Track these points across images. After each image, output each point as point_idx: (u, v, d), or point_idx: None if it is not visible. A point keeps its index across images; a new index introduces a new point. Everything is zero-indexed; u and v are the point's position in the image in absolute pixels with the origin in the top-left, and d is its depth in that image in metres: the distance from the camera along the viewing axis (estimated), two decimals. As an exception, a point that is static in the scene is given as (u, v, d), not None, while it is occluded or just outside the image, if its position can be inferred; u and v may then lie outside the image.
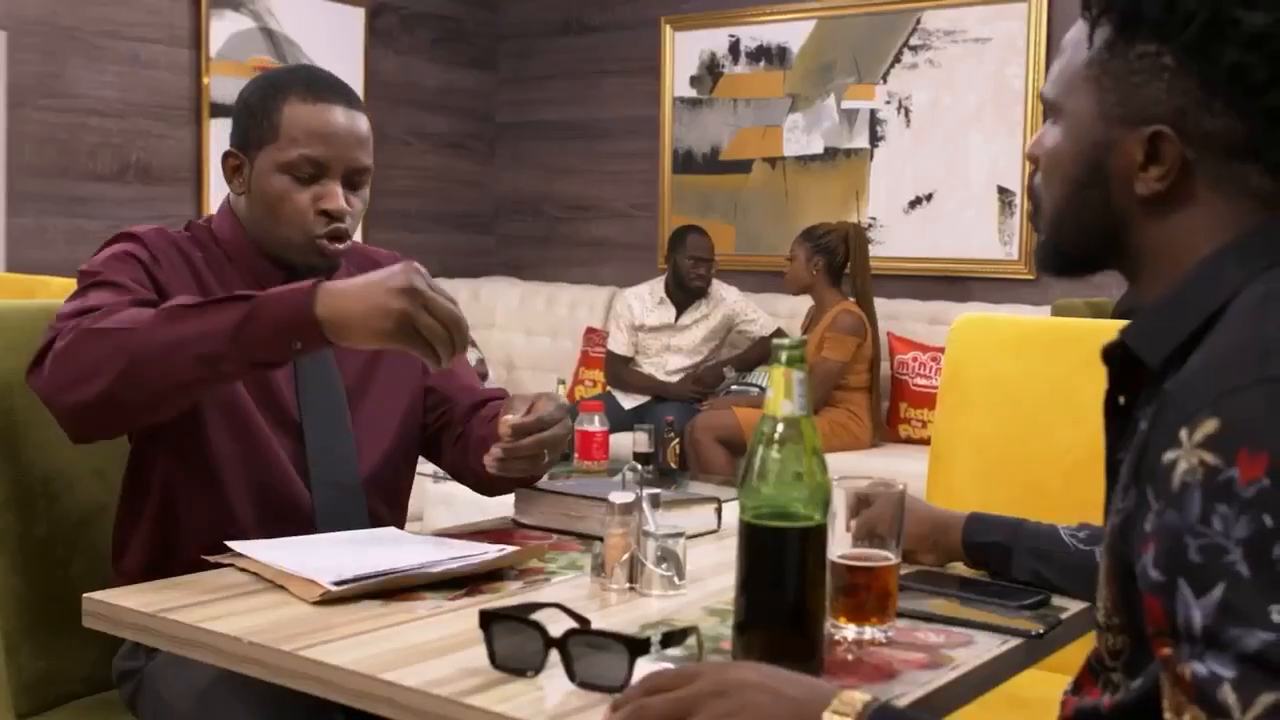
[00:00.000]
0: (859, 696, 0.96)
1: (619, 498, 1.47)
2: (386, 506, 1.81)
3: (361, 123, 1.75)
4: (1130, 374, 1.04)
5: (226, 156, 1.77)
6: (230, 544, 1.53)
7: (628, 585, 1.45)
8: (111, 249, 1.69)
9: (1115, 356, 1.05)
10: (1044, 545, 1.50)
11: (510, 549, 1.55)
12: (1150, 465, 0.90)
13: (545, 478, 1.80)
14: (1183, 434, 0.87)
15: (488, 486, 1.86)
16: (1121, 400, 1.07)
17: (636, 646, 1.12)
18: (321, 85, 1.74)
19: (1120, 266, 1.10)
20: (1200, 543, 0.84)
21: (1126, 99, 1.03)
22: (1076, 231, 1.10)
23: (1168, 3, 1.00)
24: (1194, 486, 0.85)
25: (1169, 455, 0.88)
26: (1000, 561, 1.52)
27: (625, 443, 4.51)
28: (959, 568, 1.61)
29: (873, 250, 5.10)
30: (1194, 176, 1.01)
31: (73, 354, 1.49)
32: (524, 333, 6.00)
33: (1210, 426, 0.86)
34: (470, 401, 1.89)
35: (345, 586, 1.38)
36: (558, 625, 1.18)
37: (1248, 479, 0.83)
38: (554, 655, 1.15)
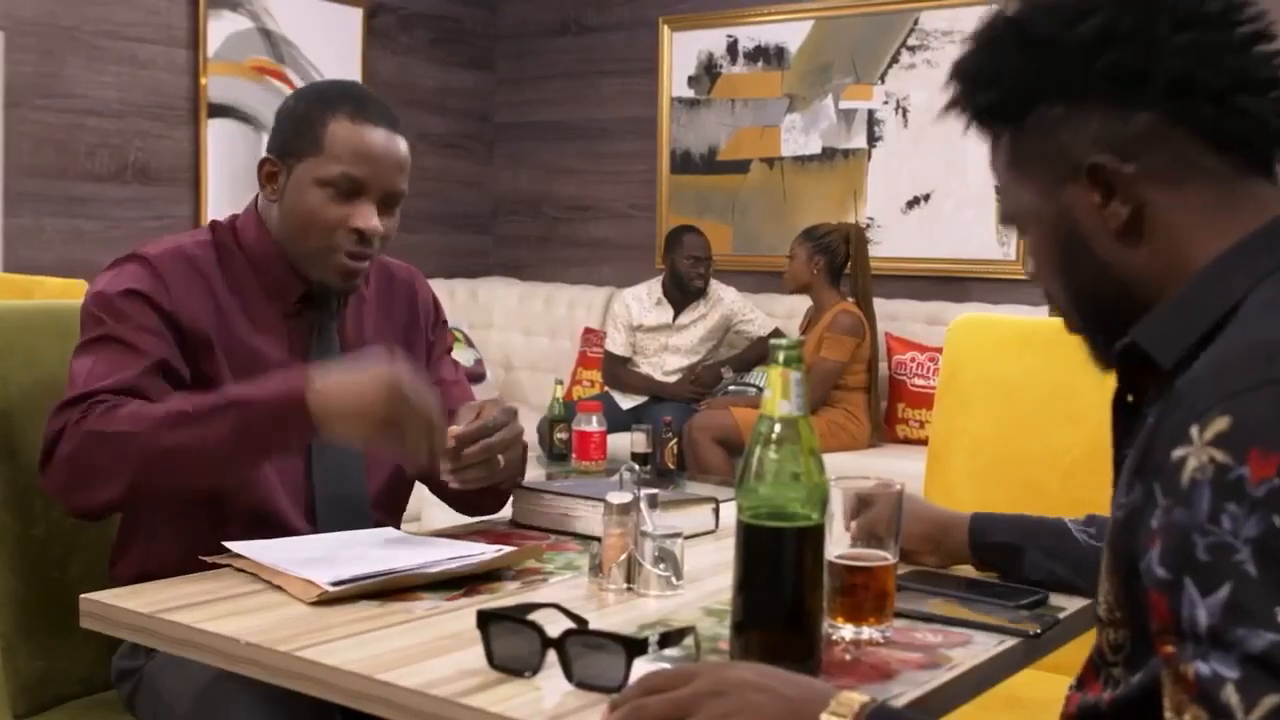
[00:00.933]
0: (856, 697, 0.96)
1: (616, 498, 1.47)
2: (386, 516, 1.81)
3: (403, 147, 1.76)
4: (1138, 371, 1.04)
5: (263, 163, 1.77)
6: (227, 544, 1.53)
7: (625, 585, 1.45)
8: (120, 279, 1.67)
9: (1125, 354, 1.05)
10: (1056, 544, 1.49)
11: (508, 549, 1.55)
12: (1158, 462, 0.90)
13: (544, 477, 1.79)
14: (1193, 431, 0.87)
15: (464, 505, 1.86)
16: (1130, 398, 1.07)
17: (634, 647, 1.12)
18: (370, 106, 1.75)
19: (1144, 309, 1.06)
20: (1208, 541, 0.84)
21: (1049, 164, 1.06)
22: (1095, 305, 1.10)
23: (1022, 71, 1.05)
24: (1204, 484, 0.85)
25: (1178, 452, 0.88)
26: (1011, 562, 1.51)
27: (623, 443, 4.51)
28: (961, 568, 1.61)
29: (871, 250, 5.10)
30: (1147, 185, 1.03)
31: (79, 460, 1.54)
32: (522, 333, 6.00)
33: (1222, 424, 0.86)
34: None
35: (343, 587, 1.38)
36: (555, 625, 1.18)
37: (1259, 478, 0.83)
38: (552, 655, 1.15)
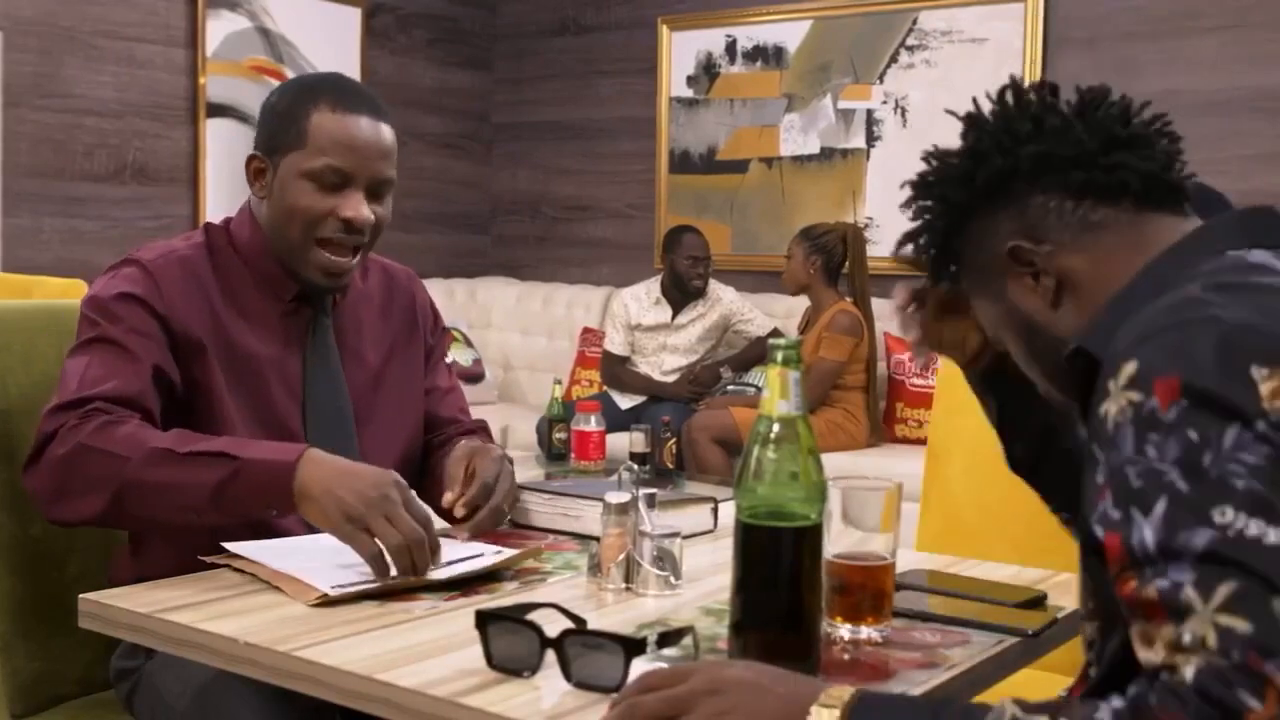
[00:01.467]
0: (846, 688, 0.98)
1: (615, 498, 1.47)
2: None
3: (387, 134, 1.75)
4: (1089, 377, 1.09)
5: (250, 160, 1.77)
6: (226, 545, 1.53)
7: (624, 585, 1.45)
8: (115, 283, 1.67)
9: (1077, 364, 1.13)
10: None
11: (507, 551, 1.55)
12: (1095, 427, 0.99)
13: (542, 477, 1.80)
14: (1110, 385, 0.97)
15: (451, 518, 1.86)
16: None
17: (633, 646, 1.12)
18: (351, 95, 1.74)
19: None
20: (1138, 469, 0.93)
21: (988, 273, 1.21)
22: (1060, 372, 1.18)
23: (934, 225, 1.24)
24: (1125, 424, 0.95)
25: (1102, 408, 0.98)
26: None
27: (621, 443, 4.50)
28: (959, 568, 1.61)
29: (869, 250, 5.10)
30: (1063, 255, 1.16)
31: (67, 468, 1.54)
32: (520, 333, 6.00)
33: (1130, 369, 0.96)
34: (445, 434, 1.91)
35: (345, 590, 1.38)
36: (554, 625, 1.18)
37: (1168, 403, 0.92)
38: (550, 655, 1.15)
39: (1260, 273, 1.03)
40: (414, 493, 1.51)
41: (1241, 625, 0.84)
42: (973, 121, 1.24)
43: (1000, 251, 1.19)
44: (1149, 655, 0.89)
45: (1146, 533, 0.90)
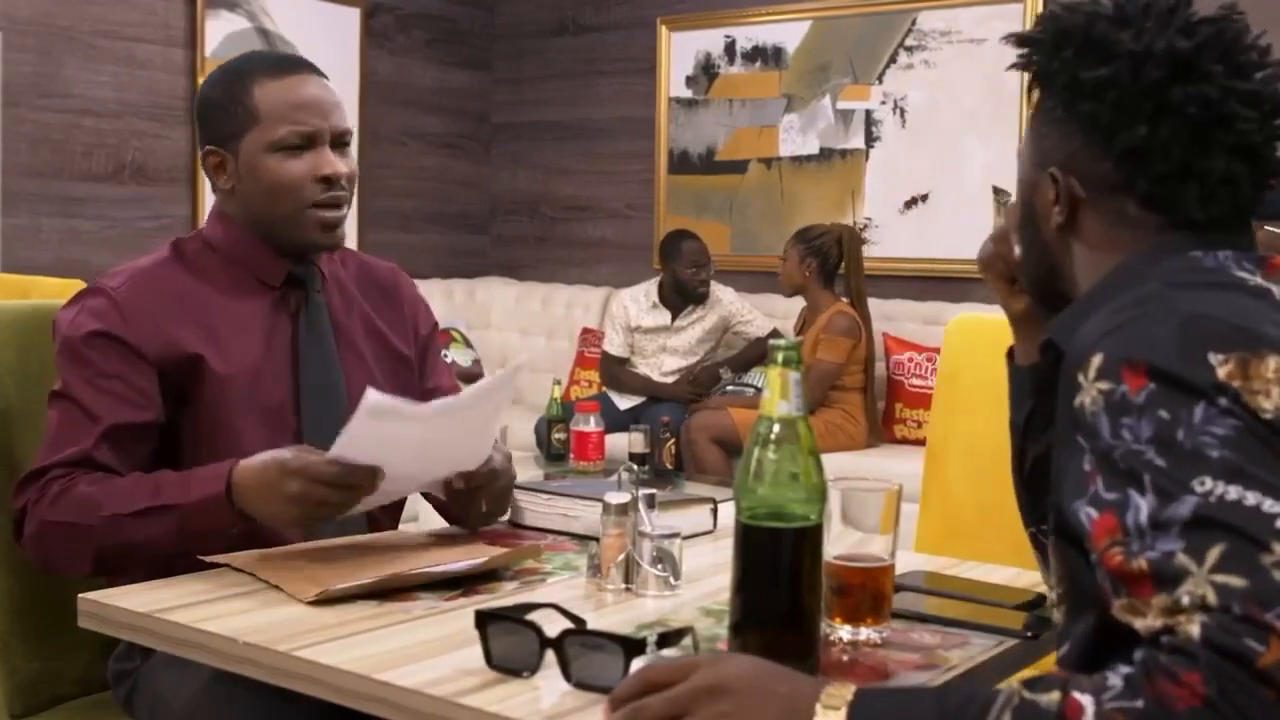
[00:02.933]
0: (847, 686, 0.98)
1: (615, 498, 1.47)
2: (384, 513, 1.81)
3: (331, 88, 1.78)
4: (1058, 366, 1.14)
5: (207, 155, 1.76)
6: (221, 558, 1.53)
7: (624, 585, 1.45)
8: (81, 319, 1.66)
9: (1048, 355, 1.19)
10: None
11: (507, 549, 1.55)
12: (1071, 417, 1.04)
13: (542, 477, 1.80)
14: (1080, 377, 1.03)
15: (447, 515, 1.87)
16: None
17: (632, 647, 1.12)
18: (285, 61, 1.77)
19: (1070, 293, 1.25)
20: (1120, 452, 0.98)
21: (1039, 145, 1.24)
22: (1033, 265, 1.29)
23: (1044, 65, 1.21)
24: (1100, 413, 1.00)
25: (1077, 400, 1.03)
26: None
27: (621, 443, 4.51)
28: (958, 570, 1.61)
29: (868, 251, 5.10)
30: (1086, 210, 1.21)
31: (42, 545, 1.61)
32: (520, 333, 5.99)
33: (1097, 360, 1.02)
34: None
35: (345, 587, 1.38)
36: (554, 625, 1.18)
37: (1136, 388, 0.98)
38: (550, 655, 1.15)
39: (1215, 274, 1.11)
40: (299, 452, 1.51)
41: (1237, 581, 0.88)
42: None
43: (1054, 156, 1.21)
44: (1143, 623, 0.92)
45: (1141, 508, 0.95)
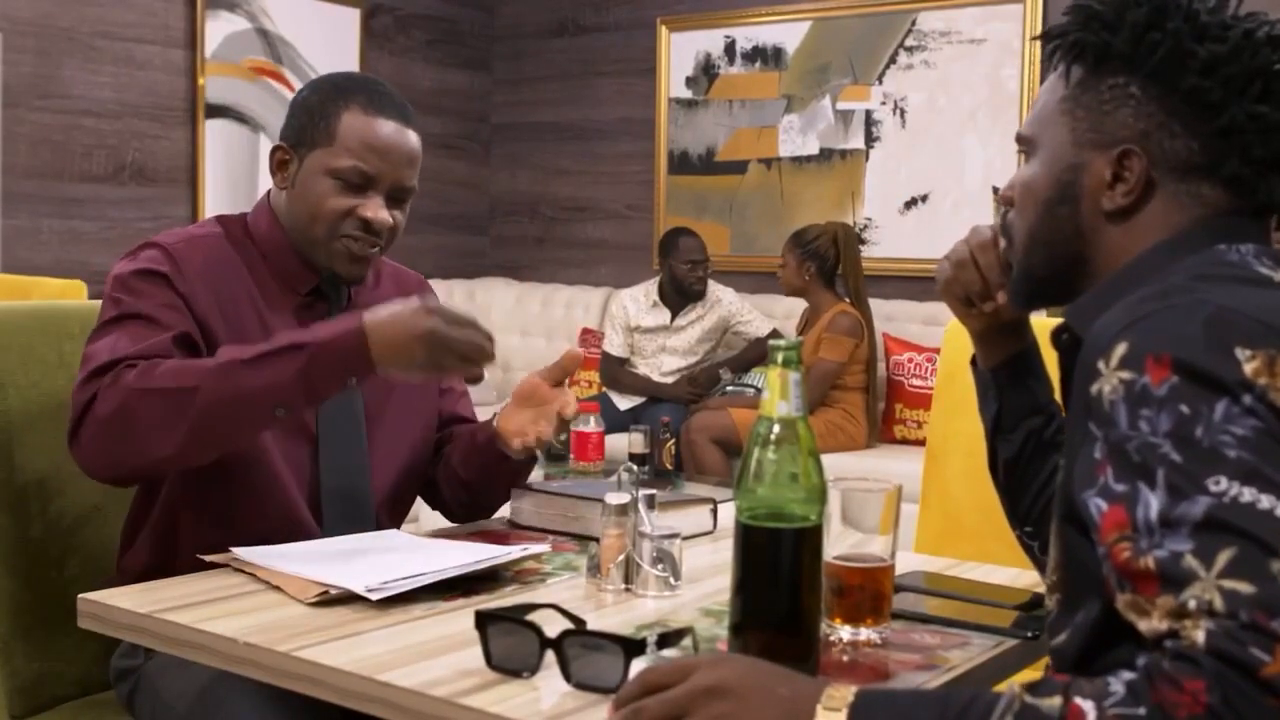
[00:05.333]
0: (848, 687, 0.98)
1: (615, 499, 1.47)
2: (390, 518, 1.82)
3: (415, 142, 1.77)
4: (1073, 354, 1.13)
5: (275, 150, 1.77)
6: (235, 550, 1.53)
7: (623, 586, 1.45)
8: (138, 262, 1.68)
9: (1063, 340, 1.20)
10: None
11: (534, 547, 1.56)
12: (1085, 404, 1.03)
13: (541, 477, 1.81)
14: (1100, 364, 1.02)
15: (457, 507, 1.89)
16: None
17: (632, 647, 1.12)
18: (384, 100, 1.76)
19: (1084, 283, 1.22)
20: (1135, 444, 0.97)
21: (1098, 125, 1.18)
22: (1046, 250, 1.24)
23: (1135, 39, 1.16)
24: (1119, 402, 0.99)
25: (1094, 387, 1.02)
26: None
27: (621, 444, 4.50)
28: (958, 570, 1.61)
29: (868, 251, 5.10)
30: (1154, 192, 1.16)
31: (126, 420, 1.52)
32: (520, 334, 5.99)
33: (1121, 349, 1.00)
34: (455, 431, 1.92)
35: (389, 589, 1.37)
36: (553, 626, 1.18)
37: (1159, 380, 0.97)
38: (550, 656, 1.16)
39: (1239, 268, 1.10)
40: (438, 300, 1.58)
41: (1245, 588, 0.87)
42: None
43: (1122, 134, 1.17)
44: (1148, 624, 0.92)
45: (1151, 503, 0.94)
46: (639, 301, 5.29)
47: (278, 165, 1.77)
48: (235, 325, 1.70)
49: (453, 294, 5.99)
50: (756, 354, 5.15)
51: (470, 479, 1.83)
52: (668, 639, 1.17)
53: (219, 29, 5.18)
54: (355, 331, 1.53)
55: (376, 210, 1.72)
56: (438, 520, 1.94)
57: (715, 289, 5.23)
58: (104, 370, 1.55)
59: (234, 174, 5.24)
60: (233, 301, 1.71)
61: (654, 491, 1.50)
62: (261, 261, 1.76)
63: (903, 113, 5.31)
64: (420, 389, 1.85)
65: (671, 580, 1.45)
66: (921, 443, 3.48)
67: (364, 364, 1.54)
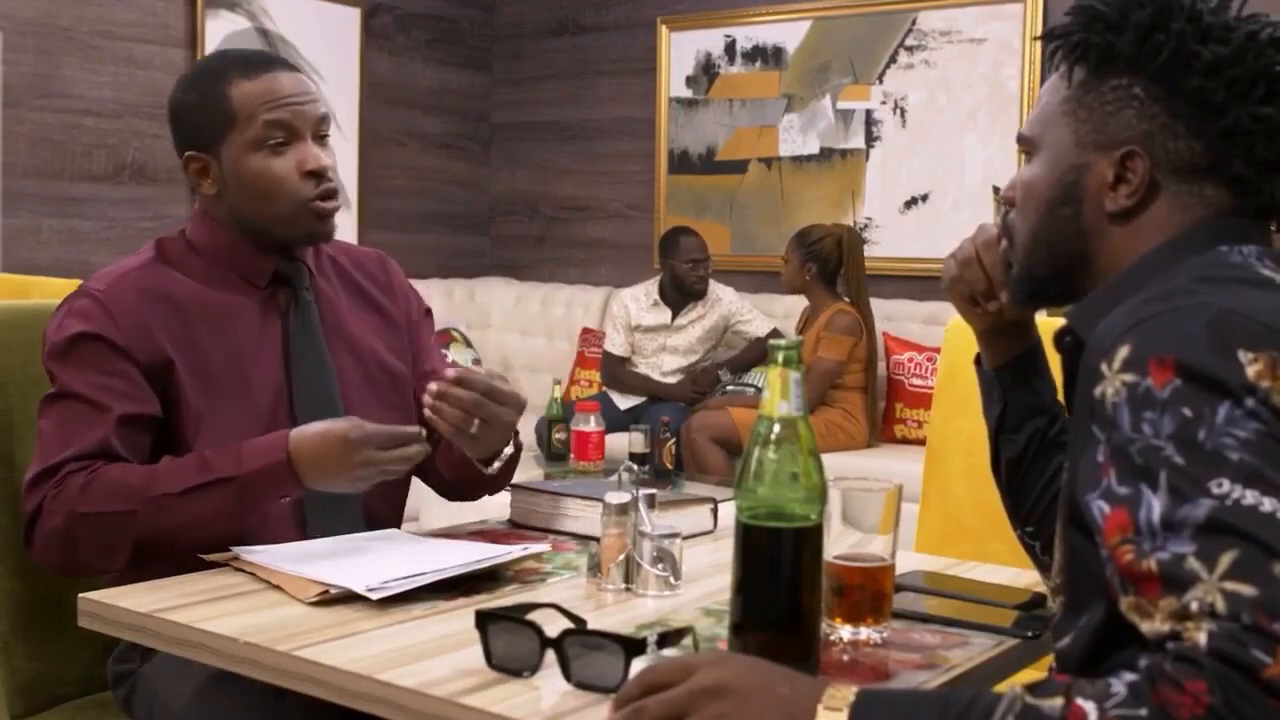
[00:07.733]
0: (849, 687, 0.98)
1: (615, 498, 1.47)
2: (385, 506, 1.81)
3: (304, 79, 1.77)
4: (1076, 356, 1.13)
5: (188, 161, 1.75)
6: (235, 549, 1.53)
7: (624, 586, 1.45)
8: (69, 323, 1.65)
9: (1066, 342, 1.19)
10: None
11: (534, 547, 1.56)
12: (1088, 406, 1.03)
13: (541, 477, 1.80)
14: (1103, 367, 1.02)
15: (448, 488, 1.90)
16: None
17: (632, 647, 1.12)
18: (257, 58, 1.76)
19: (1085, 284, 1.23)
20: (1138, 447, 0.97)
21: (1101, 126, 1.19)
22: (1048, 251, 1.24)
23: (1139, 40, 1.16)
24: (1122, 404, 0.99)
25: (1098, 390, 1.02)
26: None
27: (621, 443, 4.50)
28: (958, 570, 1.61)
29: (868, 250, 5.10)
30: (1157, 193, 1.17)
31: (70, 541, 1.57)
32: (519, 333, 5.99)
33: (1124, 352, 1.00)
34: None
35: (390, 589, 1.37)
36: (554, 625, 1.18)
37: (1162, 383, 0.97)
38: (550, 655, 1.15)
39: (1241, 269, 1.10)
40: (354, 422, 1.59)
41: (1247, 590, 0.87)
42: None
43: (1126, 135, 1.17)
44: (1150, 626, 0.92)
45: (1154, 506, 0.94)
46: (639, 301, 5.29)
47: (197, 175, 1.75)
48: (195, 344, 1.68)
49: (453, 294, 5.99)
50: (756, 353, 5.15)
51: (456, 479, 1.86)
52: (668, 638, 1.17)
53: (219, 28, 5.18)
54: (283, 464, 1.58)
55: (317, 158, 1.73)
56: (438, 520, 1.94)
57: (715, 288, 5.23)
58: (47, 475, 1.58)
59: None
60: (185, 323, 1.69)
61: (654, 491, 1.50)
62: (211, 267, 1.75)
63: (903, 112, 5.31)
64: (398, 378, 1.86)
65: (672, 580, 1.45)
66: (922, 442, 3.48)
67: (294, 486, 1.60)
